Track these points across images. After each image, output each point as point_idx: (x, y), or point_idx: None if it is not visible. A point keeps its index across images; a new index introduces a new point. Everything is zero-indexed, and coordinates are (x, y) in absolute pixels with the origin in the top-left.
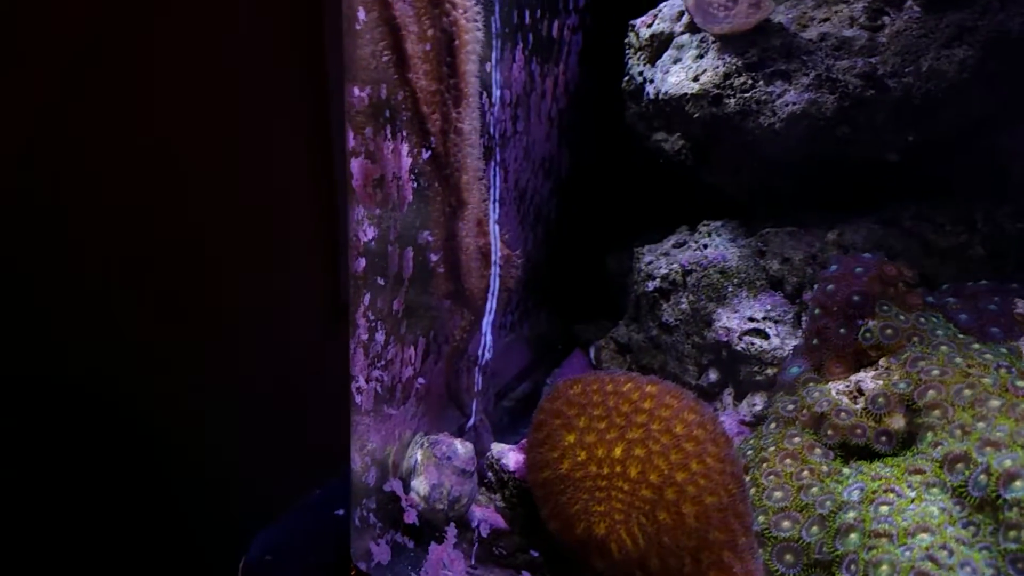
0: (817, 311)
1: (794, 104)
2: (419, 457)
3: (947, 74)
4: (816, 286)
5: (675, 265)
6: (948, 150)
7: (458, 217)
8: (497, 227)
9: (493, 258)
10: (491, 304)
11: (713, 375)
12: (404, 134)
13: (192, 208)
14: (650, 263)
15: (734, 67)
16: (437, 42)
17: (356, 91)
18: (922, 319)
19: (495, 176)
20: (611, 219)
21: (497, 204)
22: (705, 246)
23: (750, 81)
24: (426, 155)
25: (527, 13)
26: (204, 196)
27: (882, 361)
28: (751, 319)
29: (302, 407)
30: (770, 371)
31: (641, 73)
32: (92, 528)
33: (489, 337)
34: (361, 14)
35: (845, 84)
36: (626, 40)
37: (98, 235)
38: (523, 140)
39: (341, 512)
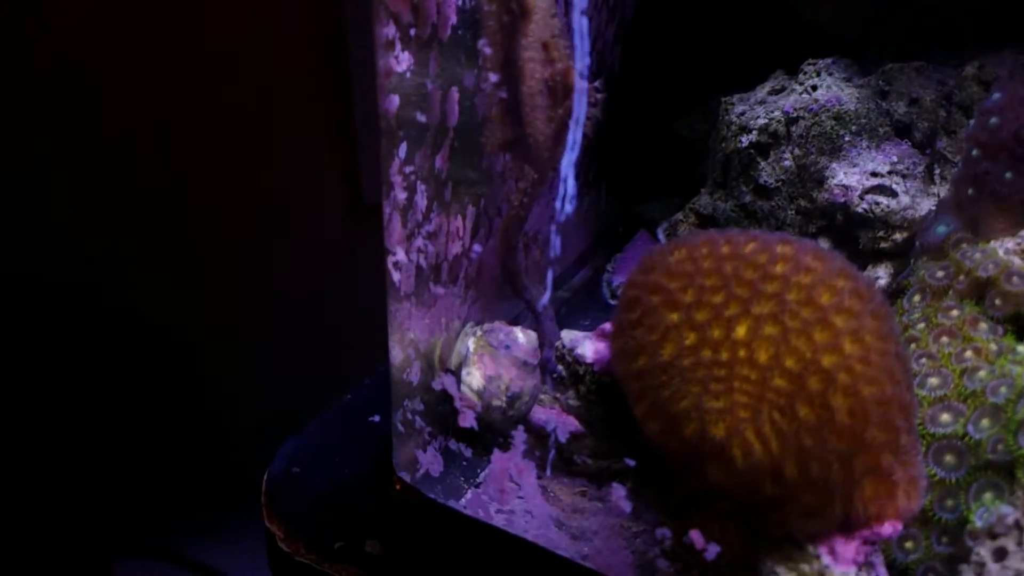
0: (975, 152)
1: None
2: (471, 346)
3: None
4: (973, 121)
5: (776, 113)
6: None
7: (520, 32)
8: (579, 44)
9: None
10: (575, 135)
11: (824, 245)
12: None
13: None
14: (743, 114)
15: None
16: None
17: None
18: None
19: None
20: (681, 74)
21: (582, 22)
22: (814, 87)
23: None
24: None
25: None
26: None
27: None
28: (874, 174)
29: (328, 308)
30: (898, 236)
31: None
32: (122, 439)
33: (571, 183)
34: None
35: None
36: None
37: (126, 134)
38: None
39: (377, 418)
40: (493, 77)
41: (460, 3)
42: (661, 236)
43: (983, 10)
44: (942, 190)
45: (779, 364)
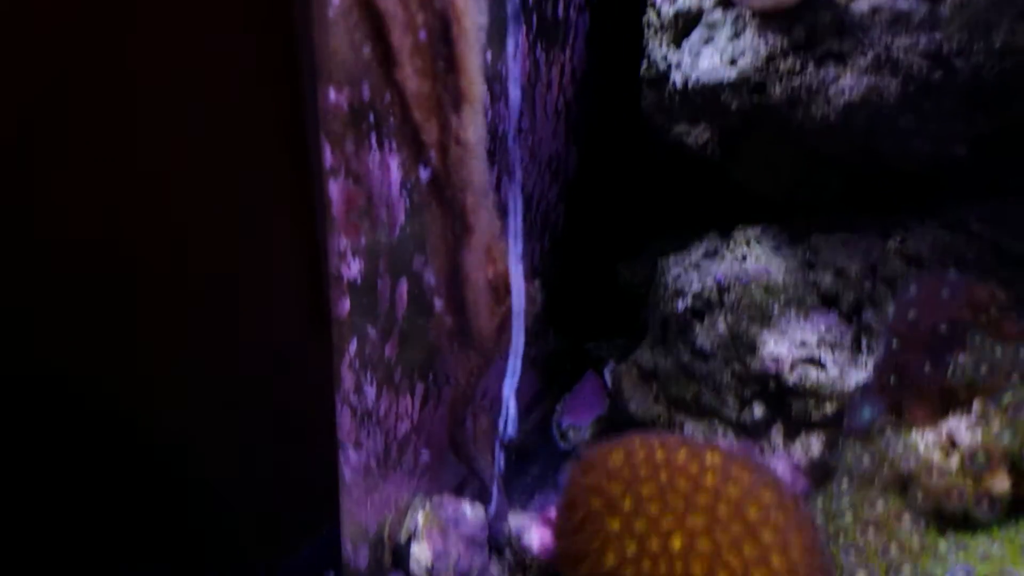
0: (895, 343)
1: (851, 90)
2: (420, 520)
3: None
4: (893, 312)
5: (709, 280)
6: (1020, 144)
7: (463, 246)
8: (518, 252)
9: (516, 307)
10: (513, 364)
11: (758, 411)
12: (393, 143)
13: (156, 208)
14: (678, 277)
15: (778, 48)
16: (430, 31)
17: (332, 94)
18: (1022, 352)
19: (511, 190)
20: (624, 222)
21: (517, 222)
22: (743, 257)
23: (798, 64)
24: (423, 174)
25: None
26: (168, 199)
27: (976, 404)
28: (803, 344)
29: (287, 415)
30: (828, 407)
31: (665, 57)
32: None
33: (512, 407)
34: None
35: (908, 66)
36: (645, 19)
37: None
38: (528, 139)
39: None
40: (436, 299)
41: (407, 204)
42: (608, 377)
43: (903, 183)
44: (869, 360)
45: None
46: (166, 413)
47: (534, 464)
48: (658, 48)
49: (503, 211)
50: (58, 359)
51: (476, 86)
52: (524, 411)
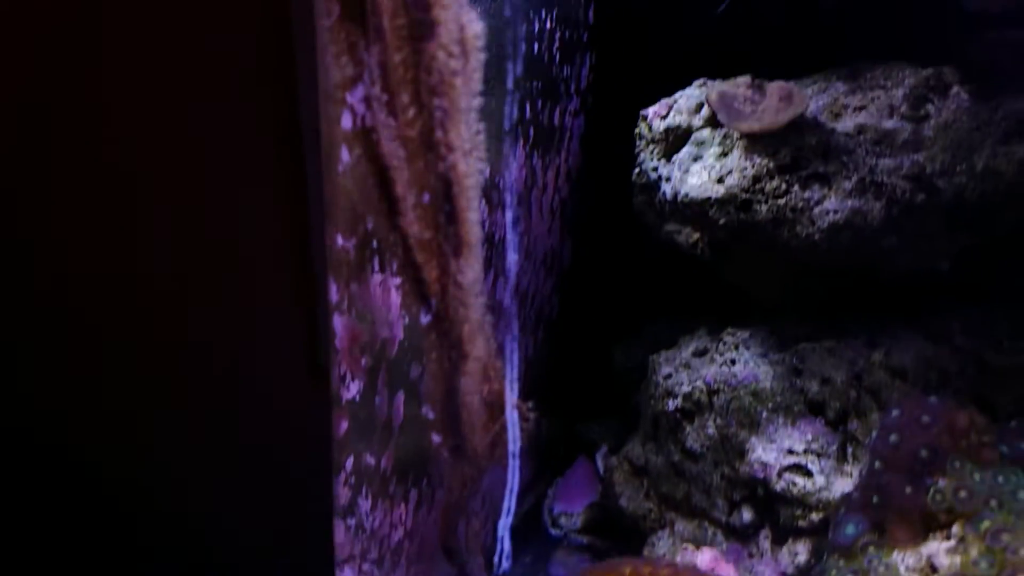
0: (878, 465)
1: (836, 213)
2: None
3: (1005, 174)
4: (875, 434)
5: (699, 382)
6: (1004, 253)
7: (460, 371)
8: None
9: (512, 448)
10: (509, 503)
11: (747, 515)
12: (395, 272)
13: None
14: (668, 376)
15: (765, 169)
16: (433, 189)
17: (340, 240)
18: (1000, 478)
19: (511, 306)
20: (618, 307)
21: (513, 352)
22: (732, 361)
23: (784, 185)
24: (423, 308)
25: (528, 106)
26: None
27: (955, 528)
28: (790, 451)
29: (279, 473)
30: (815, 516)
31: (655, 169)
32: None
33: (507, 543)
34: (344, 154)
35: (892, 188)
36: (636, 131)
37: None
38: (524, 240)
39: None
40: (430, 414)
41: (406, 321)
42: (600, 463)
43: (888, 294)
44: (855, 469)
45: None
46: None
47: (526, 553)
48: (649, 159)
49: (497, 312)
50: (50, 426)
51: (475, 234)
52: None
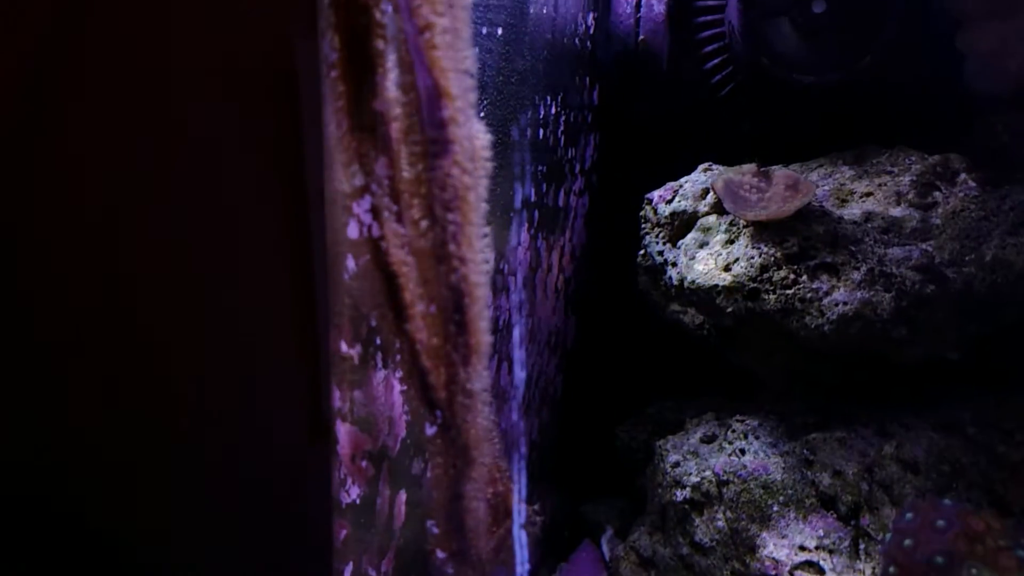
0: (892, 570)
1: (845, 304)
2: None
3: (1015, 265)
4: (889, 538)
5: (707, 472)
6: (1015, 341)
7: (465, 478)
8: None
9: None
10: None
11: None
12: (398, 369)
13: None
14: (676, 465)
15: (772, 258)
16: (443, 299)
17: (344, 346)
18: None
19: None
20: (621, 387)
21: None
22: (742, 451)
23: (792, 276)
24: (430, 428)
25: (533, 190)
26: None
27: None
28: (802, 548)
29: (279, 531)
30: None
31: (661, 253)
32: None
33: None
34: (350, 262)
35: (902, 280)
36: (642, 213)
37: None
38: (529, 322)
39: None
40: (433, 528)
41: (408, 418)
42: (605, 548)
43: (898, 382)
44: (867, 567)
45: None
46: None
47: None
48: (654, 243)
49: (502, 398)
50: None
51: (485, 342)
52: None
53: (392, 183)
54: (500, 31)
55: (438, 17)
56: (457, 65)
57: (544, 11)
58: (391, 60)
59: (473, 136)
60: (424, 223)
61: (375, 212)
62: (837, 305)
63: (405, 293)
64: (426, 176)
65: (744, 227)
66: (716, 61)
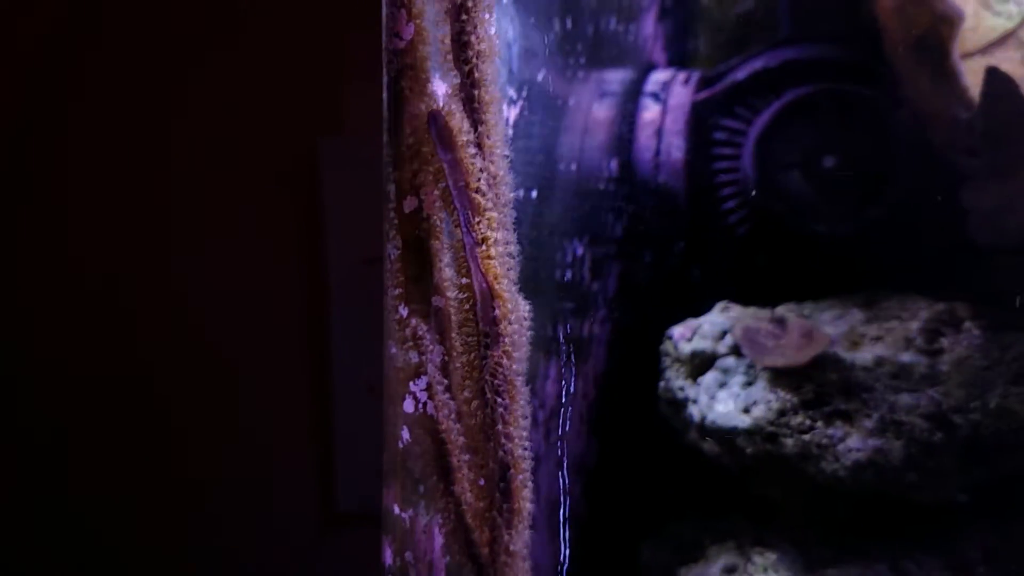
0: None
1: (859, 451)
2: None
3: (1019, 414)
4: None
5: None
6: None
7: None
8: None
9: None
10: None
11: None
12: (439, 513)
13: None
14: None
15: (789, 404)
16: (490, 471)
17: (396, 509)
18: None
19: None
20: (643, 507)
21: None
22: None
23: (808, 421)
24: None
25: (561, 328)
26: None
27: None
28: None
29: None
30: None
31: (682, 388)
32: None
33: None
34: (405, 433)
35: (911, 427)
36: (662, 348)
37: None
38: (555, 451)
39: None
40: None
41: (448, 564)
42: None
43: (911, 520)
44: None
45: None
46: None
47: None
48: (675, 377)
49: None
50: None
51: (527, 507)
52: None
53: (445, 365)
54: (534, 193)
55: (493, 232)
56: (507, 271)
57: (572, 166)
58: (446, 259)
59: (519, 321)
60: (475, 403)
61: (429, 389)
62: (851, 451)
63: (452, 459)
64: (478, 363)
65: (761, 370)
66: (732, 204)
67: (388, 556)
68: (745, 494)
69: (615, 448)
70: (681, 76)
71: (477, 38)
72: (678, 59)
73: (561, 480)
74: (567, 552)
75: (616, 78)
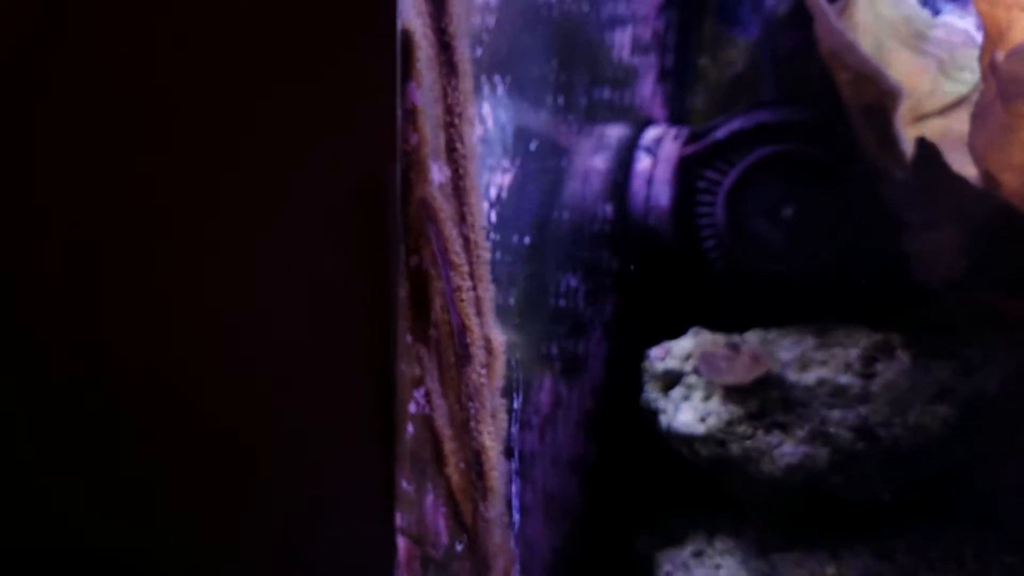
0: None
1: (791, 455)
2: None
3: (930, 428)
4: None
5: None
6: (938, 487)
7: None
8: None
9: None
10: None
11: None
12: (439, 495)
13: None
14: (668, 574)
15: (736, 415)
16: (467, 458)
17: (404, 484)
18: None
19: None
20: (637, 503)
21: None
22: (718, 566)
23: (751, 430)
24: (459, 545)
25: (556, 348)
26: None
27: None
28: None
29: None
30: None
31: (655, 400)
32: None
33: None
34: (410, 427)
35: (837, 437)
36: (643, 365)
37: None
38: (551, 451)
39: None
40: None
41: (447, 534)
42: None
43: (845, 517)
44: None
45: None
46: None
47: None
48: (652, 391)
49: (524, 515)
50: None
51: (499, 484)
52: None
53: (439, 378)
54: (528, 239)
55: (462, 280)
56: (475, 309)
57: (565, 215)
58: (439, 302)
59: (489, 337)
60: (456, 407)
61: (428, 396)
62: (784, 456)
63: (443, 447)
64: (457, 376)
65: (717, 387)
66: (710, 244)
67: (399, 519)
68: (713, 490)
69: (610, 451)
70: (672, 132)
71: (462, 144)
72: (677, 114)
73: (557, 475)
74: (562, 539)
75: (614, 133)
